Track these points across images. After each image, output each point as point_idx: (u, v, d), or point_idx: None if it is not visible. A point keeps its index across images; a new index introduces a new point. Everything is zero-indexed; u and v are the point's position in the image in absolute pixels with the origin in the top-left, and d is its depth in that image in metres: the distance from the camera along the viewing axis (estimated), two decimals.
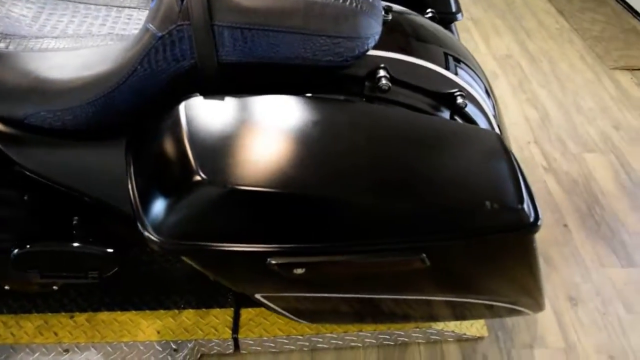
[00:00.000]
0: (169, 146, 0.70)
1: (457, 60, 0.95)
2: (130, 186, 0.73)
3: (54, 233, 0.92)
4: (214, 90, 0.75)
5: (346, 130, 0.74)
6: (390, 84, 0.82)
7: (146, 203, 0.69)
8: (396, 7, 1.00)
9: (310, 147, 0.70)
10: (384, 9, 0.88)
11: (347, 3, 0.74)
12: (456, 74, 0.91)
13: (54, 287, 1.06)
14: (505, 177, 0.75)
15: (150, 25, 0.71)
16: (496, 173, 0.75)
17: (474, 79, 0.96)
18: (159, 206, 0.68)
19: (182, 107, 0.72)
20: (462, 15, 1.22)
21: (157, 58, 0.72)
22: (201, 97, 0.73)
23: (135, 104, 0.76)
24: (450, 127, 0.83)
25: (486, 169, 0.75)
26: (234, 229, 0.69)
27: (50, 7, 0.87)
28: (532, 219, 0.74)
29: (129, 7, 0.88)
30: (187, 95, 0.74)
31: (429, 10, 1.14)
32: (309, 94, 0.81)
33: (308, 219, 0.69)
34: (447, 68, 0.91)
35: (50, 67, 0.77)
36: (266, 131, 0.71)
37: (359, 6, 0.75)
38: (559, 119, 1.94)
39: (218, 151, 0.68)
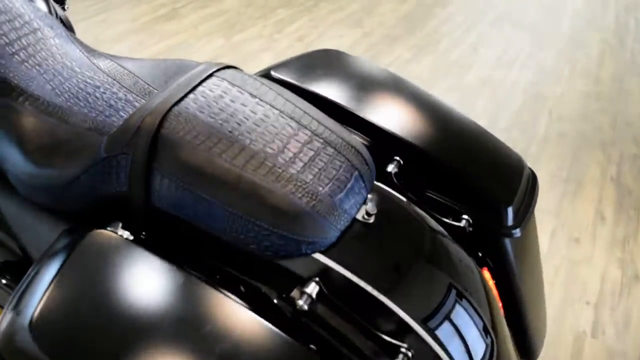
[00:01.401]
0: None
1: (459, 305, 0.73)
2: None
3: None
4: (139, 227, 0.71)
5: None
6: (307, 308, 0.64)
7: None
8: (406, 205, 0.81)
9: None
10: (367, 212, 0.71)
11: (299, 196, 0.65)
12: (431, 328, 0.69)
13: None
14: None
15: (102, 144, 0.71)
16: None
17: (466, 339, 0.72)
18: None
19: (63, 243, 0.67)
20: (518, 231, 0.86)
21: (96, 174, 0.71)
22: (104, 235, 0.67)
23: (82, 204, 0.76)
24: None
25: None
26: None
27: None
28: None
29: (127, 90, 0.85)
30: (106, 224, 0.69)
31: (464, 217, 0.86)
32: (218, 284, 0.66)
33: None
34: (423, 314, 0.69)
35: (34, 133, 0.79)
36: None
37: (312, 204, 0.65)
38: None
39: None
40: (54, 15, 1.08)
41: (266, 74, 0.93)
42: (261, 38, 2.90)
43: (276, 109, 0.73)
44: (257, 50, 2.79)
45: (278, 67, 0.95)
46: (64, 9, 1.45)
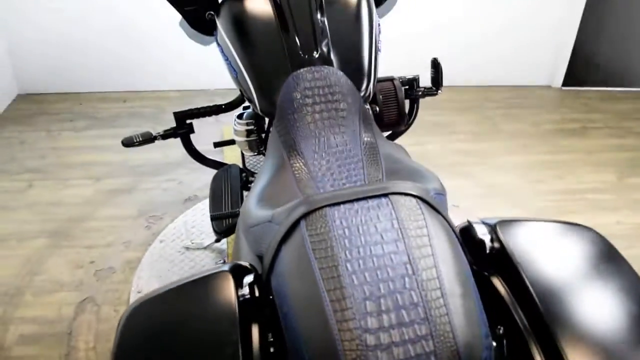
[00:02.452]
0: None
1: None
2: None
3: None
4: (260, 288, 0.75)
5: None
6: None
7: None
8: None
9: None
10: None
11: None
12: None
13: None
14: None
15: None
16: None
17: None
18: None
19: None
20: None
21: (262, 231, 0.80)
22: None
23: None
24: None
25: None
26: None
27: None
28: None
29: None
30: None
31: None
32: None
33: None
34: None
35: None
36: None
37: None
38: None
39: None
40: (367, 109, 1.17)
41: (492, 225, 0.78)
42: None
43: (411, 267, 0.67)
44: None
45: (509, 223, 0.79)
46: (435, 93, 1.55)
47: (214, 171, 1.69)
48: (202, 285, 0.73)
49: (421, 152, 2.64)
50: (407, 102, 1.51)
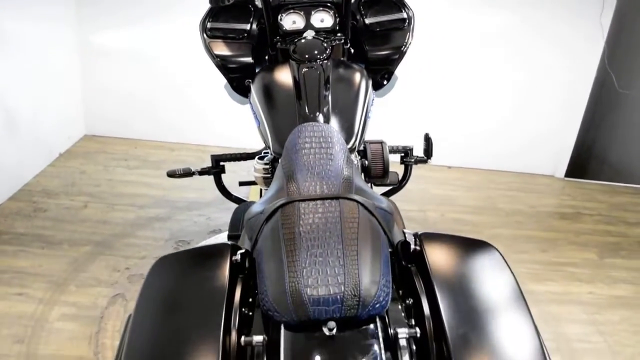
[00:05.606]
0: None
1: None
2: None
3: None
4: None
5: None
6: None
7: None
8: None
9: None
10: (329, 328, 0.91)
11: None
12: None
13: None
14: None
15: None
16: None
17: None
18: None
19: None
20: None
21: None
22: None
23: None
24: None
25: None
26: None
27: None
28: None
29: None
30: None
31: None
32: None
33: None
34: None
35: None
36: None
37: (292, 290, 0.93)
38: None
39: None
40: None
41: (419, 235, 1.12)
42: None
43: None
44: None
45: (431, 234, 1.12)
46: (425, 162, 1.88)
47: None
48: (209, 249, 1.09)
49: (421, 218, 2.97)
50: (402, 167, 1.87)
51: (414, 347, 0.95)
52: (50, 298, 2.07)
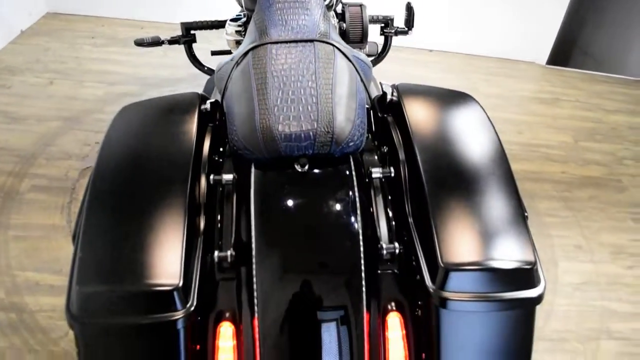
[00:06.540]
0: None
1: None
2: None
3: None
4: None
5: None
6: None
7: None
8: None
9: None
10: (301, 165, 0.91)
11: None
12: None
13: None
14: None
15: None
16: None
17: None
18: None
19: None
20: None
21: None
22: None
23: None
24: None
25: None
26: None
27: None
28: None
29: None
30: None
31: None
32: None
33: None
34: None
35: None
36: None
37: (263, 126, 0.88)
38: None
39: None
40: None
41: (396, 85, 1.07)
42: None
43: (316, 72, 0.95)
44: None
45: (408, 85, 1.08)
46: (406, 33, 1.78)
47: None
48: (177, 98, 1.03)
49: None
50: (382, 38, 1.78)
51: (387, 189, 0.93)
52: (20, 171, 2.01)
